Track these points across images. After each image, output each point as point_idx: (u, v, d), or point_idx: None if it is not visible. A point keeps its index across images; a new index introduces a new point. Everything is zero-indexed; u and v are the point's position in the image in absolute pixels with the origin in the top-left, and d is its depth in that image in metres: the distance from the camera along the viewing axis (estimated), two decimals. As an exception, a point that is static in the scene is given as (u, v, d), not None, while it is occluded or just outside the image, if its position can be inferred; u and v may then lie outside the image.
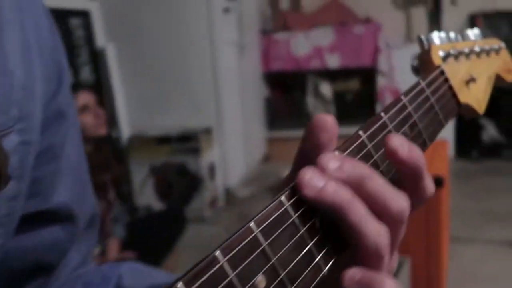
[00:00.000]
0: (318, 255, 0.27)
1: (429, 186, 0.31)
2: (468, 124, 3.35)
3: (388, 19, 3.66)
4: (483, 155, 3.31)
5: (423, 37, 0.42)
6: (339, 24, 3.54)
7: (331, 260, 0.28)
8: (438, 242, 1.45)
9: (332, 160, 0.27)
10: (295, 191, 0.27)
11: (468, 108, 0.43)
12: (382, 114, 0.33)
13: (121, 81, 2.76)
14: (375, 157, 0.31)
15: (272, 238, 0.25)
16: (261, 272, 0.24)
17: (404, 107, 0.34)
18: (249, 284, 0.23)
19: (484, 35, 0.49)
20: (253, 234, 0.24)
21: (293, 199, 0.26)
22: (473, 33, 0.48)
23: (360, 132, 0.31)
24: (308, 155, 0.30)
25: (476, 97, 0.44)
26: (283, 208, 0.26)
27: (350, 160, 0.28)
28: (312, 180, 0.26)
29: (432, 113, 0.37)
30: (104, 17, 2.71)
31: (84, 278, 0.42)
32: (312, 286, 0.26)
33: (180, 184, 2.55)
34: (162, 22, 2.64)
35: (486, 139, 3.34)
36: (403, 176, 0.30)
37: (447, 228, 1.78)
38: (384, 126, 0.32)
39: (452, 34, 0.44)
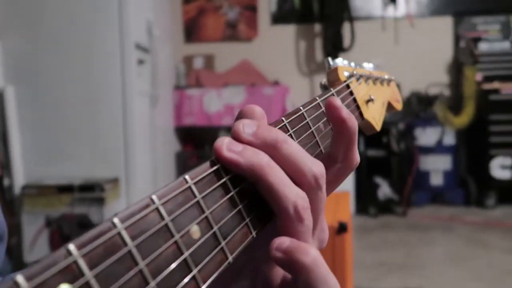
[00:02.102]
0: (248, 218, 0.27)
1: (357, 155, 0.33)
2: (366, 183, 3.63)
3: (295, 83, 3.95)
4: (379, 211, 3.57)
5: (329, 59, 0.47)
6: (250, 85, 3.73)
7: (260, 224, 0.28)
8: (345, 285, 1.50)
9: (247, 124, 0.28)
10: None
11: (368, 124, 0.49)
12: (301, 107, 0.36)
13: (19, 125, 2.57)
14: (298, 140, 0.34)
15: (206, 192, 0.25)
16: (195, 223, 0.24)
17: (318, 106, 0.38)
18: (184, 231, 0.23)
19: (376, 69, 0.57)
20: (188, 186, 0.25)
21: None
22: (368, 65, 0.55)
23: (283, 118, 0.34)
24: None
25: (374, 115, 0.50)
26: (216, 168, 0.27)
27: (265, 125, 0.29)
28: (230, 144, 0.27)
29: None
30: (4, 58, 2.56)
31: None
32: (242, 246, 0.27)
33: (80, 237, 2.35)
34: (71, 68, 2.56)
35: (381, 196, 3.63)
36: (339, 137, 0.33)
37: (351, 277, 1.85)
38: (302, 118, 0.35)
39: (352, 63, 0.50)
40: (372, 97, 0.49)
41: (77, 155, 2.57)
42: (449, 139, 3.71)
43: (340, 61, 0.48)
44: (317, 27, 4.09)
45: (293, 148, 0.29)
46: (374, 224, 3.37)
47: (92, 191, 2.34)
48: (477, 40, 3.84)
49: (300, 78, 4.10)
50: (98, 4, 2.54)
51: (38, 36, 2.56)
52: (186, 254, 0.23)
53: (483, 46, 3.84)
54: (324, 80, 0.47)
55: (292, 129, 0.34)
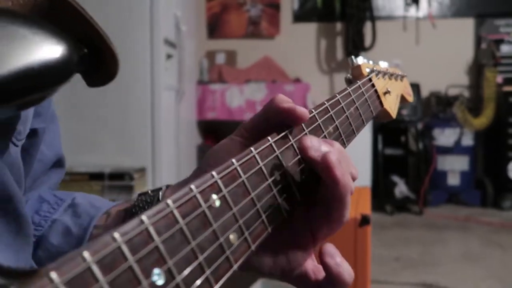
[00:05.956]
0: (280, 199, 0.34)
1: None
2: (383, 181, 3.68)
3: (315, 81, 4.01)
4: (395, 209, 3.62)
5: (353, 57, 0.57)
6: (271, 82, 3.80)
7: (292, 201, 0.35)
8: (365, 276, 1.57)
9: (314, 139, 0.36)
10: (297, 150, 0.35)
11: (385, 112, 0.58)
12: (337, 94, 0.45)
13: (54, 115, 2.69)
14: (335, 122, 0.44)
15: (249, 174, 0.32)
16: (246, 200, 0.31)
17: (349, 95, 0.47)
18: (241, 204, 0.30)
19: (391, 65, 0.66)
20: (234, 167, 0.31)
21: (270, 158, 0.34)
22: (383, 63, 0.64)
23: (324, 102, 0.43)
24: (262, 128, 0.37)
25: (390, 105, 0.59)
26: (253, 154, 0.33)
27: (325, 140, 0.38)
28: (317, 146, 0.35)
29: (366, 104, 0.51)
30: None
31: (42, 194, 0.46)
32: (277, 221, 0.33)
33: (109, 223, 2.46)
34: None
35: (398, 195, 3.68)
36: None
37: (369, 270, 1.92)
38: (338, 103, 0.45)
39: (371, 61, 0.60)
40: (389, 89, 0.58)
41: (107, 145, 2.68)
42: (467, 140, 3.74)
43: (361, 59, 0.58)
44: (339, 26, 4.13)
45: (346, 157, 0.37)
46: (390, 221, 3.43)
47: (121, 180, 2.45)
48: (499, 42, 3.85)
49: (320, 76, 4.16)
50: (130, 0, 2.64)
51: (73, 30, 2.66)
52: (258, 205, 0.31)
53: (504, 48, 3.85)
54: (348, 75, 0.57)
55: (332, 110, 0.43)
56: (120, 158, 2.66)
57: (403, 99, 0.65)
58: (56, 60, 0.25)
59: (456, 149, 3.73)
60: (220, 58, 4.18)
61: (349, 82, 0.55)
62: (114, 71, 0.29)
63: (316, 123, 0.41)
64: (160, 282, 0.22)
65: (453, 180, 3.76)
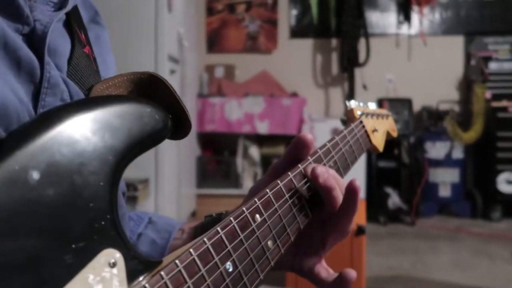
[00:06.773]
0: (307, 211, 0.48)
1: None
2: (376, 193, 3.80)
3: (311, 96, 4.14)
4: (388, 219, 3.74)
5: (347, 101, 0.70)
6: (269, 95, 3.93)
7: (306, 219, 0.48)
8: (360, 283, 1.68)
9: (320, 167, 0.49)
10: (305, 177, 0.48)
11: (374, 147, 0.71)
12: (335, 136, 0.58)
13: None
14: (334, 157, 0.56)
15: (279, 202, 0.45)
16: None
17: (345, 136, 0.60)
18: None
19: (378, 107, 0.78)
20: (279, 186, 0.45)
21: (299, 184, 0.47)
22: (372, 104, 0.77)
23: (326, 143, 0.55)
24: (283, 167, 0.51)
25: (378, 141, 0.72)
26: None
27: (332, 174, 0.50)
28: (323, 173, 0.47)
29: (358, 143, 0.64)
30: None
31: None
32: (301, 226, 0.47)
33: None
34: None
35: (391, 206, 3.80)
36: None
37: (364, 278, 2.03)
38: (336, 143, 0.57)
39: (361, 103, 0.73)
40: (376, 128, 0.72)
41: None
42: (458, 153, 3.88)
43: (353, 103, 0.71)
44: (334, 42, 4.28)
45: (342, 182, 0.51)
46: (384, 232, 3.54)
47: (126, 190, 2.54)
48: (487, 59, 4.01)
49: (316, 90, 4.29)
50: (135, 18, 2.76)
51: (80, 46, 2.77)
52: (284, 220, 0.44)
53: (493, 65, 4.01)
54: (343, 116, 0.71)
55: (332, 149, 0.55)
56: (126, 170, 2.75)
57: (388, 134, 0.77)
58: (160, 127, 0.37)
59: (447, 162, 3.87)
60: (219, 72, 4.31)
61: (344, 122, 0.69)
62: (187, 131, 0.40)
63: (322, 161, 0.54)
64: (230, 269, 0.34)
65: (444, 192, 3.89)
